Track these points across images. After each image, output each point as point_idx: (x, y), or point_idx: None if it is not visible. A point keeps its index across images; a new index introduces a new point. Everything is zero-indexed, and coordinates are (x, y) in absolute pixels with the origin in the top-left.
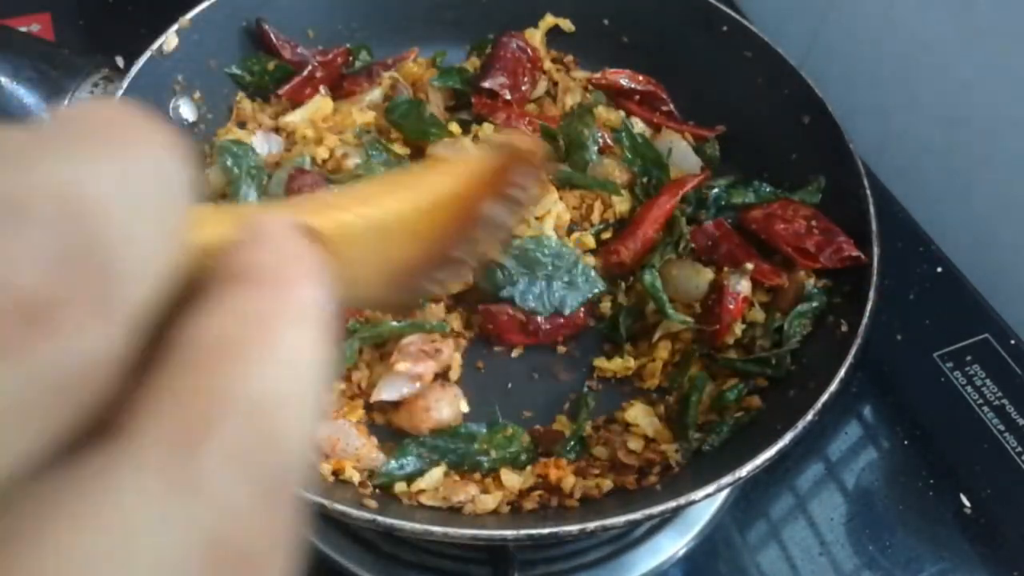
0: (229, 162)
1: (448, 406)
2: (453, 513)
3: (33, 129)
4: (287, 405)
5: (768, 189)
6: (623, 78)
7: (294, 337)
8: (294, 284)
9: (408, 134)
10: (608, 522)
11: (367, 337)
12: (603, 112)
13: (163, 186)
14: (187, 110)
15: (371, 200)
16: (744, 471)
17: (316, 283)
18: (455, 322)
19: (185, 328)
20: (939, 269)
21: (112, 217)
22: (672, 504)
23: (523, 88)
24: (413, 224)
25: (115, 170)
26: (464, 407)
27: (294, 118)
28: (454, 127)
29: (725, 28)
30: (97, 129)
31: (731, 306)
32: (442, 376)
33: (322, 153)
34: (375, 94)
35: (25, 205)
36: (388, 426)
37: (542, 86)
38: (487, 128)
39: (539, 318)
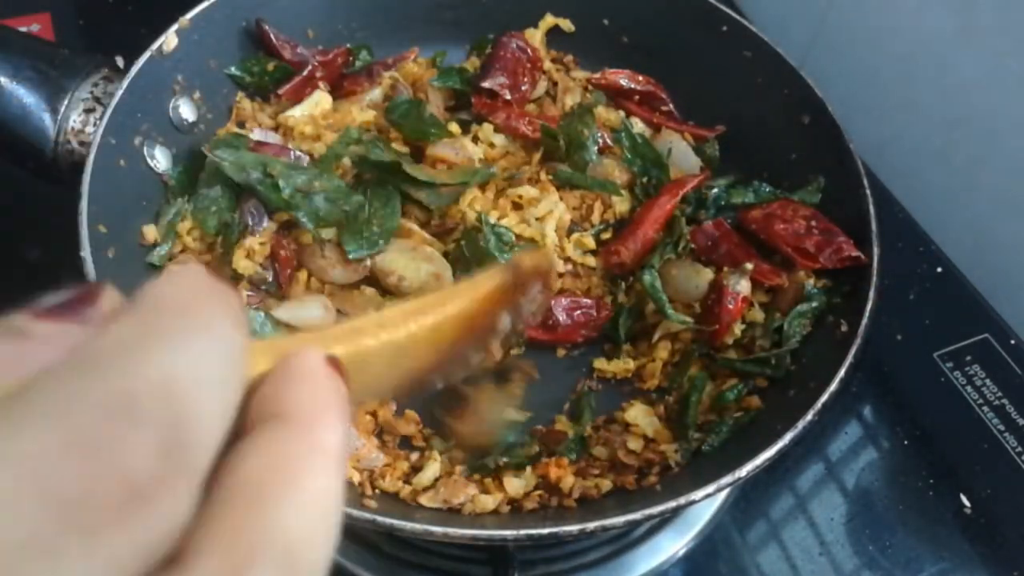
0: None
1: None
2: (453, 513)
3: (132, 316)
4: (310, 539)
5: (768, 189)
6: (623, 78)
7: (316, 480)
8: (321, 425)
9: (408, 134)
10: (608, 522)
11: None
12: (603, 112)
13: (231, 363)
14: (187, 110)
15: (393, 326)
16: (744, 471)
17: (340, 423)
18: None
19: (231, 467)
20: (939, 269)
21: (197, 403)
22: (672, 504)
23: (523, 88)
24: (428, 341)
25: (197, 357)
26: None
27: (294, 113)
28: (454, 127)
29: (725, 28)
30: (181, 311)
31: (731, 306)
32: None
33: (319, 149)
34: (375, 94)
35: (137, 402)
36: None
37: (542, 86)
38: (487, 128)
39: (559, 314)
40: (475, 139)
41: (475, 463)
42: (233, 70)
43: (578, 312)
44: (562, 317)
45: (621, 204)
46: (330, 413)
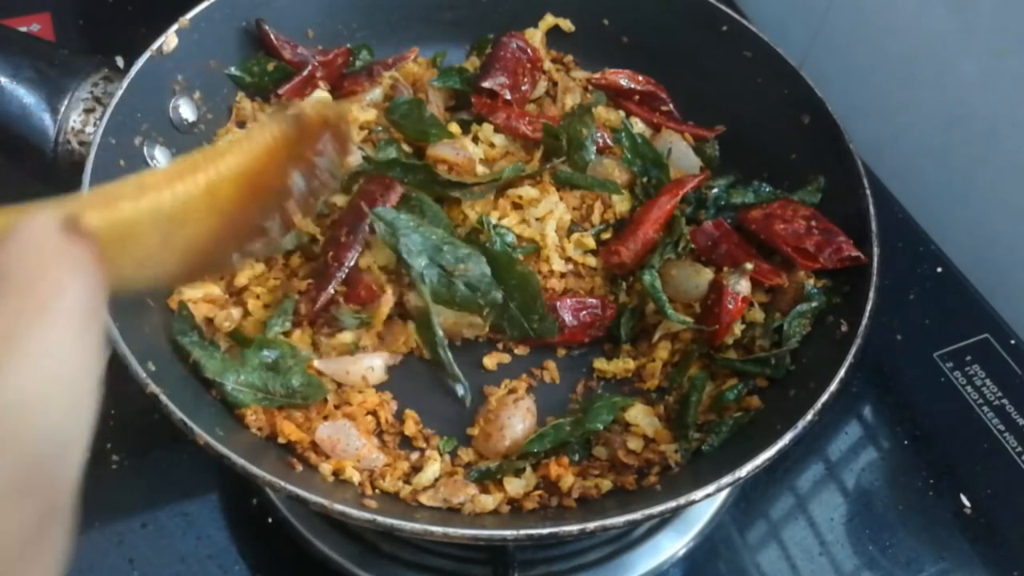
0: None
1: (521, 421)
2: (453, 513)
3: None
4: (36, 404)
5: (768, 189)
6: (623, 78)
7: (44, 339)
8: (45, 285)
9: (408, 134)
10: (608, 522)
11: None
12: (603, 112)
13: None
14: (187, 110)
15: (156, 187)
16: (744, 471)
17: (74, 283)
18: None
19: None
20: (939, 269)
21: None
22: (672, 504)
23: (523, 88)
24: (207, 203)
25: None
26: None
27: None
28: (454, 127)
29: (725, 28)
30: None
31: (731, 306)
32: (513, 393)
33: None
34: (375, 94)
35: None
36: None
37: (542, 86)
38: (487, 128)
39: (565, 315)
40: (475, 139)
41: (481, 471)
42: (233, 70)
43: (584, 312)
44: (568, 317)
45: (621, 204)
46: (57, 273)
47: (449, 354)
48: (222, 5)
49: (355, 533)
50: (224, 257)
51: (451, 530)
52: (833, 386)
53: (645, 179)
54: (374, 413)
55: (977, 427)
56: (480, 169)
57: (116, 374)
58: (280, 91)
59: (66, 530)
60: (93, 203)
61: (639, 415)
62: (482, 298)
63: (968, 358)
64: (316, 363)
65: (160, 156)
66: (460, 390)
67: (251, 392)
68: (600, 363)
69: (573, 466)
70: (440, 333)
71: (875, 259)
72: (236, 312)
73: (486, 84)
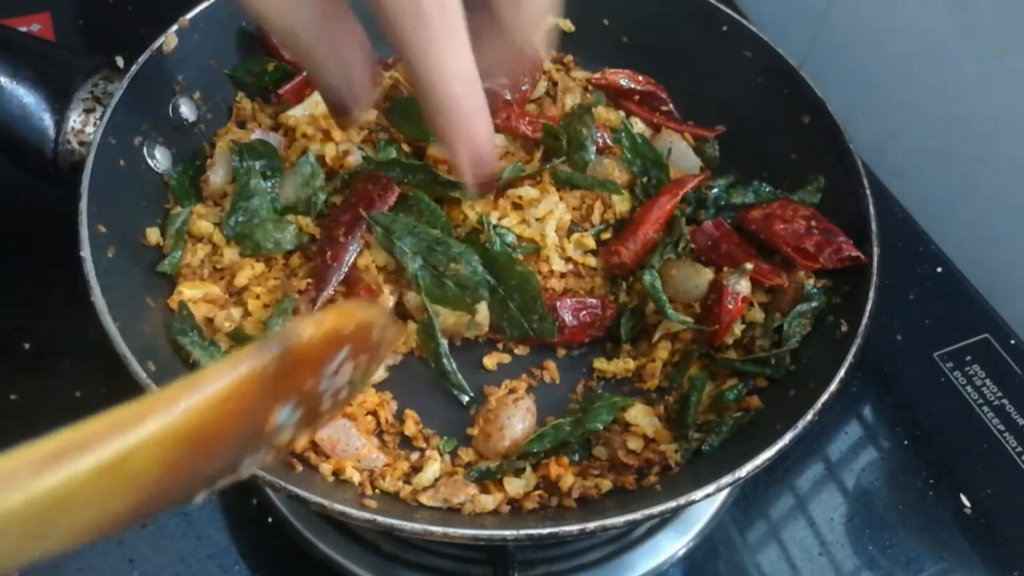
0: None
1: (521, 421)
2: (453, 513)
3: None
4: None
5: (768, 189)
6: (623, 78)
7: None
8: None
9: (408, 134)
10: (608, 522)
11: None
12: (603, 112)
13: None
14: (187, 110)
15: (4, 482)
16: (744, 471)
17: None
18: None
19: None
20: (939, 269)
21: None
22: (672, 504)
23: (523, 88)
24: (109, 484)
25: None
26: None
27: (294, 113)
28: None
29: (725, 28)
30: None
31: (731, 306)
32: (513, 392)
33: (330, 151)
34: (375, 93)
35: None
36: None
37: (542, 86)
38: None
39: (565, 315)
40: None
41: (481, 471)
42: (233, 70)
43: (584, 312)
44: (568, 317)
45: (621, 204)
46: None
47: (453, 364)
48: (222, 5)
49: (355, 533)
50: (170, 504)
51: (451, 530)
52: (833, 386)
53: (645, 179)
54: (374, 413)
55: (977, 427)
56: None
57: (116, 374)
58: (280, 91)
59: None
60: None
61: (639, 415)
62: (470, 296)
63: (968, 358)
64: None
65: (160, 156)
66: (464, 399)
67: None
68: (600, 363)
69: (573, 466)
70: (444, 343)
71: (875, 259)
72: (236, 312)
73: (486, 84)
